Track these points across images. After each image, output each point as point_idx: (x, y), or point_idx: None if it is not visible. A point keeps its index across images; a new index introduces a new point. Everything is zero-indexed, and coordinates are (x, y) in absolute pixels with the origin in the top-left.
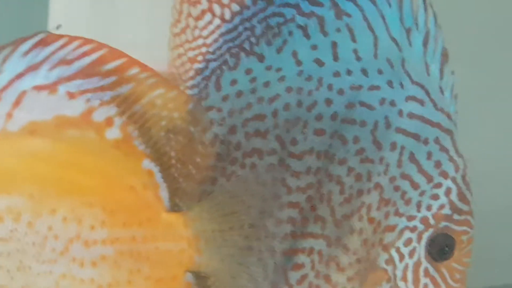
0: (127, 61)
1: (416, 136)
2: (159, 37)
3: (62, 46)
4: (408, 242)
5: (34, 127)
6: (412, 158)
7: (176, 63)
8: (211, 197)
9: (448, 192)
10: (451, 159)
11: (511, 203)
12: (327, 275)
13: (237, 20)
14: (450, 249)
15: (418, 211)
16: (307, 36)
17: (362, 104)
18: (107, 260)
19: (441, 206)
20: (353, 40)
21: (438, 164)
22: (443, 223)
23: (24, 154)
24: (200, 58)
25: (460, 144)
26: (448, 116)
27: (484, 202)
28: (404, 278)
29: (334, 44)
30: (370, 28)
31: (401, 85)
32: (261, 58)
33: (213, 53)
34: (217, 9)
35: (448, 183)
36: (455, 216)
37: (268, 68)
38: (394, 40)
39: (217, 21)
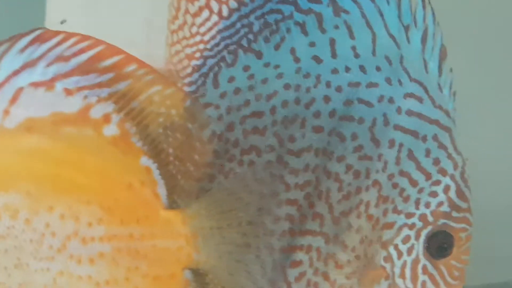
0: (125, 58)
1: (414, 133)
2: (157, 34)
3: (59, 43)
4: (406, 239)
5: (31, 124)
6: (411, 155)
7: (173, 60)
8: (209, 194)
9: (446, 189)
10: (449, 156)
11: (510, 201)
12: (325, 272)
13: (234, 17)
14: (448, 246)
15: (417, 208)
16: (305, 33)
17: (360, 101)
18: (104, 258)
19: (440, 204)
20: (351, 37)
21: (436, 162)
22: (442, 221)
23: (21, 151)
24: (197, 55)
25: (459, 143)
26: (447, 114)
27: (483, 199)
28: (403, 276)
29: (332, 41)
30: (368, 25)
31: (400, 82)
32: (259, 55)
33: (210, 50)
34: (214, 5)
35: (446, 180)
36: (454, 214)
37: (266, 65)
38: (392, 37)
39: (214, 18)
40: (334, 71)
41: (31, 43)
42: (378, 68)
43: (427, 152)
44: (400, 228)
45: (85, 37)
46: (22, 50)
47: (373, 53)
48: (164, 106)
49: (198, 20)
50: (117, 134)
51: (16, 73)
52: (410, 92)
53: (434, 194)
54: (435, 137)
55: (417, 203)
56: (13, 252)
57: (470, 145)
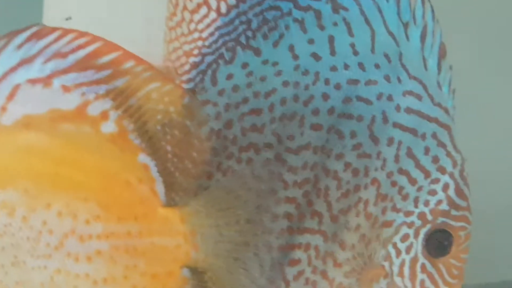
0: (123, 54)
1: (413, 131)
2: (155, 31)
3: (57, 39)
4: (405, 237)
5: (29, 121)
6: (410, 153)
7: (171, 56)
8: (207, 192)
9: (445, 187)
10: (448, 154)
11: (509, 200)
12: (324, 270)
13: (233, 13)
14: (447, 245)
15: (416, 206)
16: (304, 30)
17: (359, 98)
18: (102, 255)
19: (439, 202)
20: (350, 34)
21: (435, 159)
22: (441, 219)
23: (18, 148)
24: (195, 52)
25: (459, 142)
26: (446, 111)
27: (482, 198)
28: (401, 274)
29: (331, 38)
30: (368, 22)
31: (399, 80)
32: (257, 52)
33: (209, 46)
34: (213, 2)
35: (445, 178)
36: (453, 212)
37: (265, 62)
38: (391, 34)
39: (213, 15)
40: (333, 68)
41: (28, 39)
42: (377, 66)
43: (426, 150)
44: (399, 227)
45: (82, 34)
46: (19, 46)
47: (372, 50)
48: (163, 103)
49: (196, 17)
50: (115, 131)
51: (13, 69)
52: (409, 89)
53: (433, 192)
54: (434, 135)
55: (416, 201)
56: (10, 250)
57: (470, 145)
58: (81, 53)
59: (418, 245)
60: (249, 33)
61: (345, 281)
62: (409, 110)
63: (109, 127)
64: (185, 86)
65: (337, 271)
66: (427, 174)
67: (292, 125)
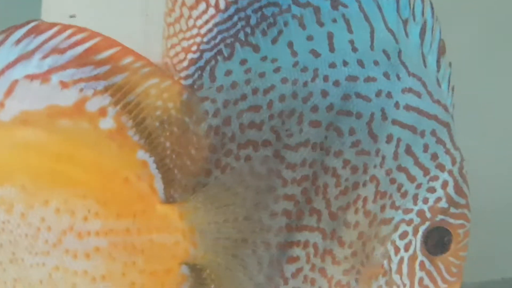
0: (121, 50)
1: (412, 129)
2: (153, 27)
3: (55, 35)
4: (404, 235)
5: (26, 117)
6: (409, 150)
7: (170, 53)
8: (206, 188)
9: (444, 185)
10: (447, 151)
11: (508, 197)
12: (322, 268)
13: (232, 10)
14: (446, 242)
15: (415, 204)
16: (302, 26)
17: (358, 95)
18: (100, 252)
19: (438, 199)
20: (349, 31)
21: (434, 157)
22: (440, 217)
23: (16, 144)
24: (194, 48)
25: (458, 140)
26: (445, 109)
27: (482, 196)
28: (400, 272)
29: (330, 35)
30: (367, 19)
31: (398, 77)
32: (256, 48)
33: (207, 43)
34: None
35: (445, 176)
36: (452, 210)
37: (263, 58)
38: (390, 31)
39: (211, 11)
40: (332, 65)
41: (27, 34)
42: (376, 63)
43: (425, 148)
44: (398, 224)
45: (81, 29)
46: (17, 42)
47: (371, 47)
48: (161, 99)
49: (195, 13)
50: (113, 128)
51: (11, 65)
52: (408, 86)
53: (432, 190)
54: (433, 132)
55: (415, 198)
56: (8, 247)
57: (469, 143)
58: (80, 48)
59: (417, 242)
60: (248, 30)
61: (344, 279)
62: (408, 107)
63: (107, 123)
64: (183, 82)
65: (336, 268)
66: (426, 171)
67: (291, 122)
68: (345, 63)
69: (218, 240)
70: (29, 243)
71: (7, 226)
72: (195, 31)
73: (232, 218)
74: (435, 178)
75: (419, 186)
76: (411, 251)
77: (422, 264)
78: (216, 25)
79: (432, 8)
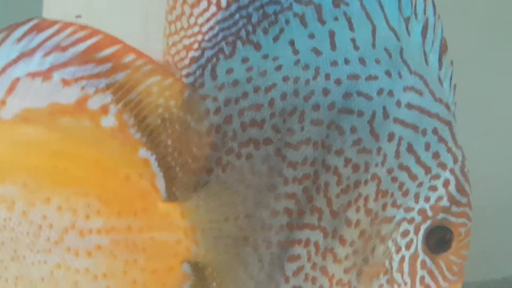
0: (123, 48)
1: (414, 127)
2: (153, 25)
3: (57, 32)
4: (405, 234)
5: (28, 115)
6: (410, 149)
7: (171, 51)
8: (207, 187)
9: (446, 183)
10: (449, 150)
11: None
12: (323, 266)
13: (233, 7)
14: (448, 241)
15: (416, 202)
16: (304, 24)
17: (360, 94)
18: (102, 250)
19: (439, 198)
20: (351, 29)
21: (436, 155)
22: (441, 215)
23: (17, 142)
24: (195, 46)
25: (460, 139)
26: (447, 107)
27: (484, 195)
28: (401, 270)
29: (331, 33)
30: (368, 17)
31: (400, 75)
32: (257, 46)
33: (209, 41)
34: None
35: (446, 174)
36: (453, 208)
37: (265, 57)
38: (392, 29)
39: (213, 9)
40: (334, 63)
41: (28, 32)
42: (377, 61)
43: (427, 146)
44: (399, 223)
45: (82, 27)
46: (19, 39)
47: (373, 45)
48: (163, 97)
49: (196, 10)
50: (115, 126)
51: (12, 63)
52: (410, 85)
53: (433, 188)
54: (435, 131)
55: (416, 197)
56: (10, 244)
57: (470, 141)
58: (81, 46)
59: (418, 241)
60: (249, 28)
61: (345, 277)
62: (409, 106)
63: (109, 121)
64: (184, 80)
65: (337, 267)
66: (427, 170)
67: (292, 120)
68: (346, 61)
69: (219, 238)
70: (31, 241)
71: (8, 223)
72: (196, 29)
73: (233, 216)
74: (437, 176)
75: (420, 184)
76: (412, 249)
77: (423, 262)
78: (217, 23)
79: (434, 6)
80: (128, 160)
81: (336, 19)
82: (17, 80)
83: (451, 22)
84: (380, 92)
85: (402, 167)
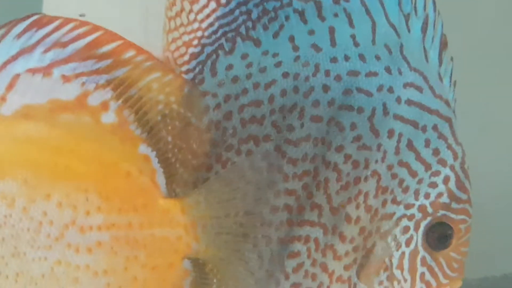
0: (123, 44)
1: (414, 123)
2: (153, 21)
3: (57, 28)
4: (405, 230)
5: (28, 111)
6: (410, 145)
7: (171, 47)
8: (207, 183)
9: (446, 180)
10: (449, 147)
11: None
12: (323, 263)
13: (233, 4)
14: (448, 238)
15: (416, 199)
16: (304, 21)
17: (360, 90)
18: (103, 247)
19: (439, 195)
20: (351, 25)
21: (436, 152)
22: (441, 212)
23: (18, 138)
24: (195, 42)
25: (460, 136)
26: (447, 104)
27: (484, 192)
28: (401, 267)
29: (331, 29)
30: (368, 13)
31: (399, 72)
32: (257, 43)
33: (208, 37)
34: None
35: (446, 171)
36: (454, 205)
37: (265, 53)
38: (392, 26)
39: (213, 5)
40: (333, 59)
41: (28, 28)
42: (377, 57)
43: (427, 143)
44: (399, 219)
45: (83, 23)
46: (19, 35)
47: (373, 41)
48: (163, 93)
49: (196, 6)
50: (115, 122)
51: (13, 59)
52: (410, 81)
53: (433, 185)
54: (435, 127)
55: (416, 194)
56: (10, 241)
57: (471, 138)
58: (81, 42)
59: (418, 238)
60: (249, 24)
61: (345, 274)
62: (409, 102)
63: (109, 117)
64: (184, 76)
65: (337, 263)
66: (427, 166)
67: (292, 116)
68: (346, 58)
69: (219, 234)
70: (31, 237)
71: (9, 220)
72: (196, 25)
73: (233, 212)
74: (437, 173)
75: (420, 181)
76: (412, 246)
77: (423, 259)
78: (217, 19)
79: (434, 2)
80: (128, 156)
81: (336, 15)
82: (17, 76)
83: (451, 19)
84: (380, 88)
85: (402, 163)
